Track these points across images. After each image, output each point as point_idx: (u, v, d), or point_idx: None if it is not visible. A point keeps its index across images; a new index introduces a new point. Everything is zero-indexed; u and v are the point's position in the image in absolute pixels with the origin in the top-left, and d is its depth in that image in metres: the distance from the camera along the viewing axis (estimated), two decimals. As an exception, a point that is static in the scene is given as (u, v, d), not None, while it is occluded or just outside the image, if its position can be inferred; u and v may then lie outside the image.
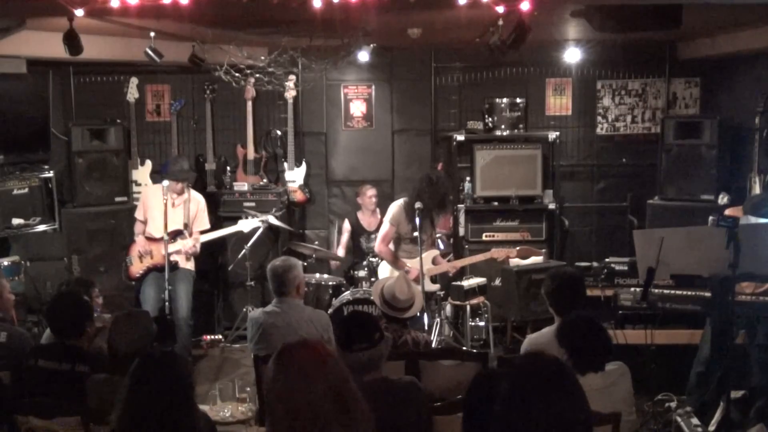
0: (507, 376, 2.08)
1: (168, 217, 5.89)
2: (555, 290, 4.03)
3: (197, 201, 6.22)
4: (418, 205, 5.58)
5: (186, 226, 6.07)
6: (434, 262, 6.06)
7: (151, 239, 6.08)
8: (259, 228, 6.46)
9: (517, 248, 6.25)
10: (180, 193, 6.08)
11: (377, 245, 6.03)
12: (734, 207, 5.32)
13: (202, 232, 6.20)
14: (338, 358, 2.23)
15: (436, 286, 6.17)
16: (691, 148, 6.79)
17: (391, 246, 5.98)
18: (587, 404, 2.06)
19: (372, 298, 5.20)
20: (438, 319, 6.20)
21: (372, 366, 3.06)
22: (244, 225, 6.39)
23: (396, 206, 5.96)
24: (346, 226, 7.13)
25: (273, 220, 6.53)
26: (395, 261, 5.92)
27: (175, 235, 6.01)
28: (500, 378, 2.15)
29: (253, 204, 7.06)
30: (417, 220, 5.56)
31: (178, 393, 2.46)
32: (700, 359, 4.91)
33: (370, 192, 7.10)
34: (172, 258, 5.93)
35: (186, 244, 6.03)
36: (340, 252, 7.11)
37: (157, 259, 6.03)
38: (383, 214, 6.37)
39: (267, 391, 2.24)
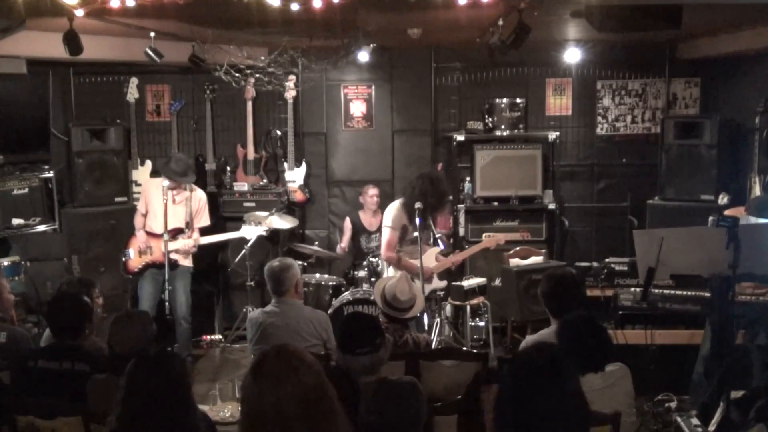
0: (506, 362, 2.13)
1: (169, 214, 5.90)
2: (550, 291, 3.99)
3: (198, 198, 6.24)
4: (418, 205, 5.54)
5: (188, 224, 6.08)
6: (436, 259, 6.04)
7: (151, 234, 6.09)
8: (261, 234, 6.48)
9: (517, 248, 6.24)
10: (180, 190, 6.08)
11: (383, 253, 5.86)
12: (734, 208, 5.32)
13: (202, 231, 6.20)
14: (315, 365, 2.21)
15: (443, 283, 6.11)
16: (691, 148, 6.79)
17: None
18: (581, 392, 2.07)
19: (372, 298, 5.20)
20: (438, 319, 6.19)
21: (372, 369, 3.07)
22: (248, 232, 6.39)
23: (394, 209, 5.80)
24: (347, 224, 7.13)
25: (276, 223, 6.52)
26: (402, 265, 5.76)
27: (176, 233, 6.01)
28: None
29: (253, 204, 7.08)
30: (417, 220, 5.53)
31: (175, 392, 2.45)
32: (701, 359, 4.91)
33: (371, 191, 7.09)
34: (171, 256, 5.93)
35: (187, 244, 6.03)
36: (344, 249, 7.09)
37: (156, 256, 6.04)
38: (385, 214, 6.33)
39: (241, 395, 2.27)
